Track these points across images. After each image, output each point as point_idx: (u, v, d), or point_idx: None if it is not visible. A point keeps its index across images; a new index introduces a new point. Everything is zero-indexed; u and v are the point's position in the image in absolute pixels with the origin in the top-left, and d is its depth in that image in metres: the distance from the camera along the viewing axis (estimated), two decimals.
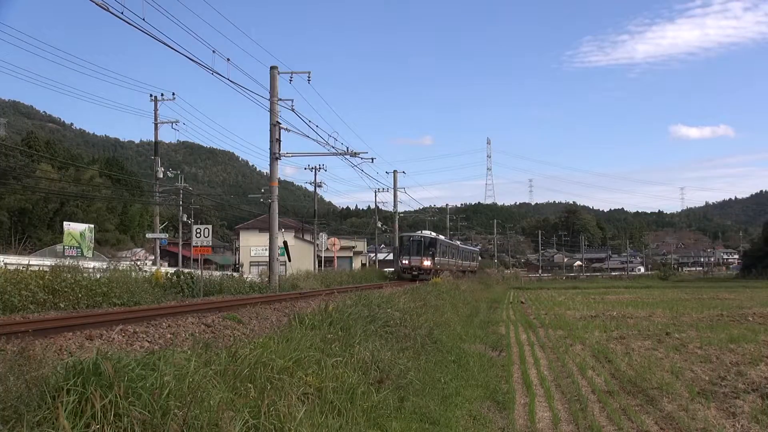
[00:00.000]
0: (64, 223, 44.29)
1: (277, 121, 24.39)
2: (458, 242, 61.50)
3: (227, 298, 17.11)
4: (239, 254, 60.87)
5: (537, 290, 52.94)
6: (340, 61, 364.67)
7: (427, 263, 39.98)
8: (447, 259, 46.93)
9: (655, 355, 13.15)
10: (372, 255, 67.10)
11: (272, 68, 24.65)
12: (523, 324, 21.37)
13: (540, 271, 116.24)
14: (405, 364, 9.38)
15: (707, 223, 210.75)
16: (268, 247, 26.63)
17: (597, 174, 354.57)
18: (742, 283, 67.70)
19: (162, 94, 37.41)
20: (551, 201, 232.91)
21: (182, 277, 19.06)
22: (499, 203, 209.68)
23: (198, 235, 20.06)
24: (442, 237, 49.25)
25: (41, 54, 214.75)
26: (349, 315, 11.07)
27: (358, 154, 29.19)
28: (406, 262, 40.19)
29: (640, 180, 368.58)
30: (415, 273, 38.95)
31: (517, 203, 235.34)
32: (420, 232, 46.45)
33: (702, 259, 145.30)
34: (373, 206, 60.99)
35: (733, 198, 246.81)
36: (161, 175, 38.36)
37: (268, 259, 26.84)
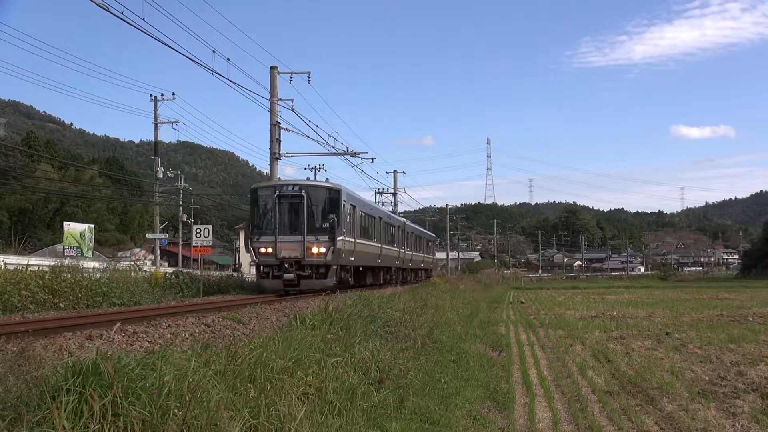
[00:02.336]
0: (64, 223, 44.36)
1: (277, 121, 24.41)
2: (403, 218, 35.11)
3: (227, 298, 17.11)
4: (239, 254, 60.87)
5: (537, 290, 53.00)
6: (340, 61, 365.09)
7: (318, 251, 18.35)
8: (372, 244, 23.88)
9: (655, 355, 13.14)
10: None
11: (272, 68, 24.71)
12: (523, 324, 21.38)
13: (540, 271, 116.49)
14: (405, 364, 9.37)
15: (707, 223, 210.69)
16: None
17: (597, 174, 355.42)
18: (742, 283, 67.78)
19: (162, 94, 37.59)
20: (551, 201, 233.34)
21: (182, 277, 19.08)
22: (499, 203, 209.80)
23: (198, 235, 20.06)
24: (357, 194, 23.42)
25: (41, 54, 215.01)
26: (349, 315, 11.09)
27: (358, 154, 29.20)
28: (267, 249, 18.55)
29: (640, 180, 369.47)
30: (291, 276, 18.16)
31: (517, 203, 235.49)
32: (306, 179, 22.92)
33: (702, 259, 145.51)
34: None
35: (733, 198, 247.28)
36: (161, 175, 38.48)
37: None
